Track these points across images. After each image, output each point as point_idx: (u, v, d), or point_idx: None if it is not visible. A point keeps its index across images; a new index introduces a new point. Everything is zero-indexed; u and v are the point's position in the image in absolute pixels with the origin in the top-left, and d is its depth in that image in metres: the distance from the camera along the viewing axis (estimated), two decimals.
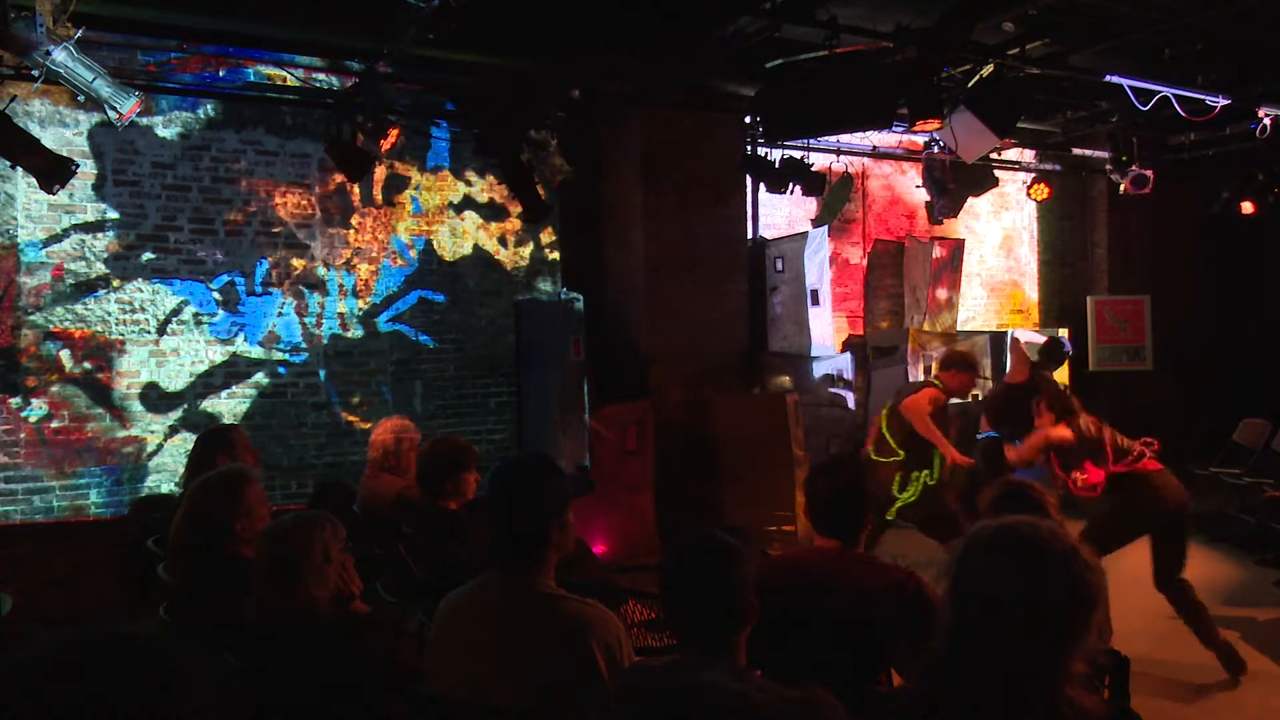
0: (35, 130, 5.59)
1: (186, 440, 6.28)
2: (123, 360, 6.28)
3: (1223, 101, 6.93)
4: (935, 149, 8.58)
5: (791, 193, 7.72)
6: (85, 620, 5.28)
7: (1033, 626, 1.57)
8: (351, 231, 7.03)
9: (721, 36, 6.16)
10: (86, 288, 6.18)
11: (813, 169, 7.69)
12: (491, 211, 7.58)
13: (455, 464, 4.10)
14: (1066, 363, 9.41)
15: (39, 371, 6.05)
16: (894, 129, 7.62)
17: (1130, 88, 6.65)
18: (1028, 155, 9.88)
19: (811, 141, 7.78)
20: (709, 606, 2.09)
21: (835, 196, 8.16)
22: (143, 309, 6.33)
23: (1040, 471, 5.42)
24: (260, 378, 6.71)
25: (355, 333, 7.05)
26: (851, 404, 7.98)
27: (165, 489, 6.29)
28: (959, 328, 9.20)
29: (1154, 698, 4.37)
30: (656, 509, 6.66)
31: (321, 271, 6.91)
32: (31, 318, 6.03)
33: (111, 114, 4.63)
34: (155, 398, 6.37)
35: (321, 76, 6.73)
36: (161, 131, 6.38)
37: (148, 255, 6.34)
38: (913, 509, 5.97)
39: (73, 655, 0.98)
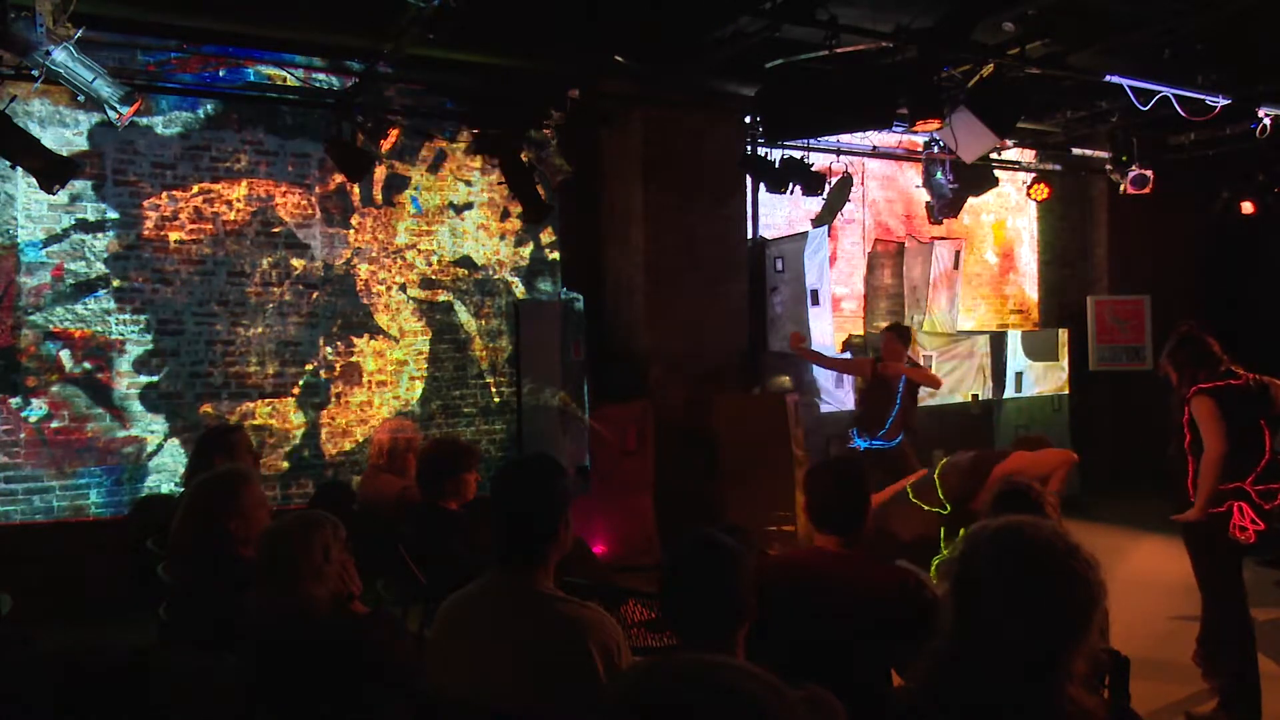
0: (35, 130, 5.59)
1: (187, 440, 6.28)
2: (123, 360, 6.27)
3: (1223, 101, 6.93)
4: (935, 149, 8.58)
5: (791, 193, 7.72)
6: (85, 620, 5.28)
7: (1034, 625, 1.57)
8: (351, 231, 7.03)
9: (721, 36, 6.16)
10: (86, 288, 6.18)
11: (813, 169, 7.69)
12: (491, 211, 7.58)
13: (455, 464, 4.11)
14: (1065, 360, 9.42)
15: (39, 371, 6.05)
16: (894, 129, 7.62)
17: (1130, 88, 6.65)
18: (1028, 155, 9.88)
19: (811, 141, 7.78)
20: (708, 605, 2.09)
21: (835, 196, 8.16)
22: (143, 309, 6.33)
23: None
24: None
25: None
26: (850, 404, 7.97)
27: (165, 489, 6.29)
28: (958, 328, 9.20)
29: (1154, 697, 4.37)
30: (656, 509, 6.66)
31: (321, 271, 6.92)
32: (31, 318, 6.03)
33: (111, 114, 4.63)
34: (155, 398, 6.37)
35: (321, 76, 6.73)
36: (161, 131, 6.38)
37: (147, 255, 6.34)
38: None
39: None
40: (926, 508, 5.25)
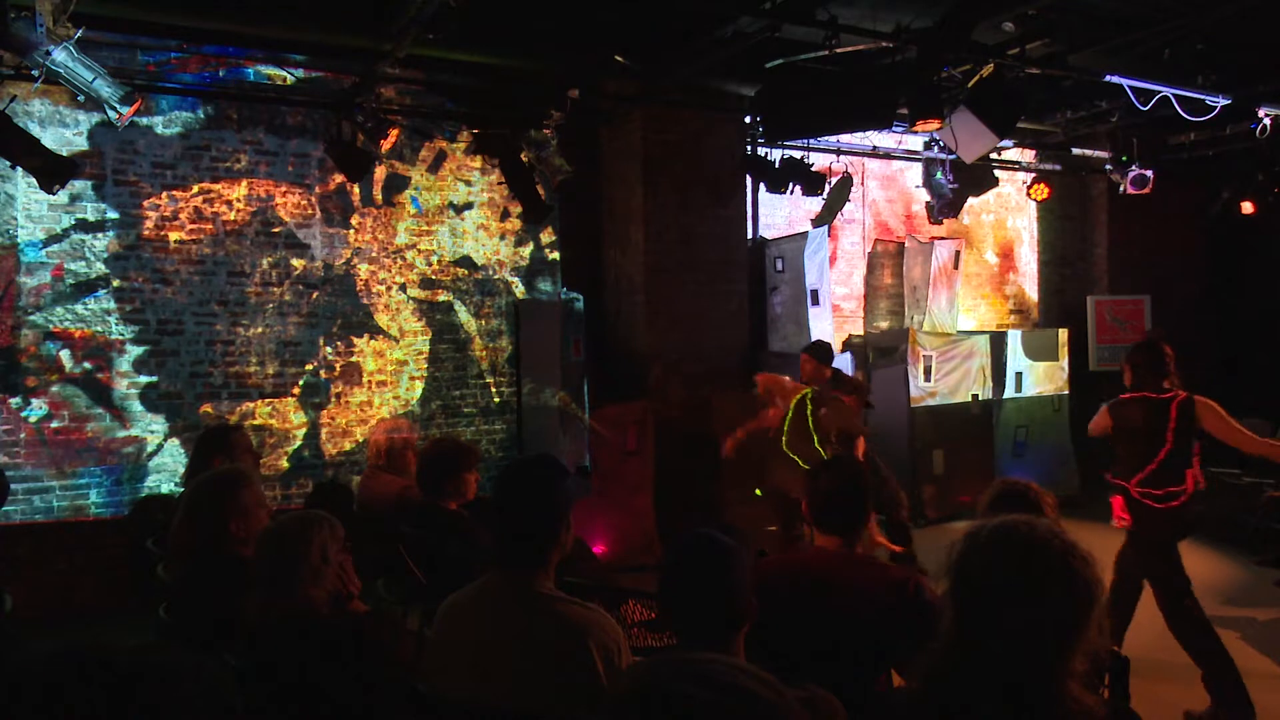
0: (35, 130, 5.59)
1: (187, 440, 6.28)
2: (123, 360, 6.28)
3: (1223, 101, 6.93)
4: (935, 149, 8.58)
5: (791, 193, 7.72)
6: (85, 620, 5.29)
7: (1033, 624, 1.57)
8: (351, 231, 7.03)
9: (721, 36, 6.16)
10: (86, 288, 6.18)
11: (813, 169, 7.70)
12: (492, 211, 7.58)
13: (455, 464, 4.10)
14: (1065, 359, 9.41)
15: (39, 371, 6.05)
16: (894, 129, 7.62)
17: (1130, 88, 6.66)
18: (1028, 155, 9.89)
19: (811, 141, 7.78)
20: (707, 605, 2.09)
21: (835, 196, 8.16)
22: (143, 309, 6.33)
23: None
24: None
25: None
26: None
27: (165, 489, 6.29)
28: (958, 328, 9.20)
29: (1154, 698, 4.37)
30: (656, 509, 6.66)
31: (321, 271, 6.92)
32: (31, 318, 6.03)
33: (111, 114, 4.63)
34: (155, 398, 6.37)
35: (321, 76, 6.74)
36: (161, 131, 6.38)
37: (147, 255, 6.34)
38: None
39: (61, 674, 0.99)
40: (802, 462, 5.41)
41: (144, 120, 6.25)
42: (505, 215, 7.60)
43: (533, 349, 7.45)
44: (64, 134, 6.05)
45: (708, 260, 7.44)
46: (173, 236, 6.42)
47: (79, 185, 6.05)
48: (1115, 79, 6.57)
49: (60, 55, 4.33)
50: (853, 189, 8.39)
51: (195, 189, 6.49)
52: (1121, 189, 8.79)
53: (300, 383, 6.84)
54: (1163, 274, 10.08)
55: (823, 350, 6.16)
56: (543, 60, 6.39)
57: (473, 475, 4.17)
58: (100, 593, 5.63)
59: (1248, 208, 9.56)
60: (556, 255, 7.83)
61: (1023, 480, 3.01)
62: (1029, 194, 9.31)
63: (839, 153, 8.27)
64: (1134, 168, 8.55)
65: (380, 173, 7.04)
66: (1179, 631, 4.46)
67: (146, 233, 6.34)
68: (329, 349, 6.94)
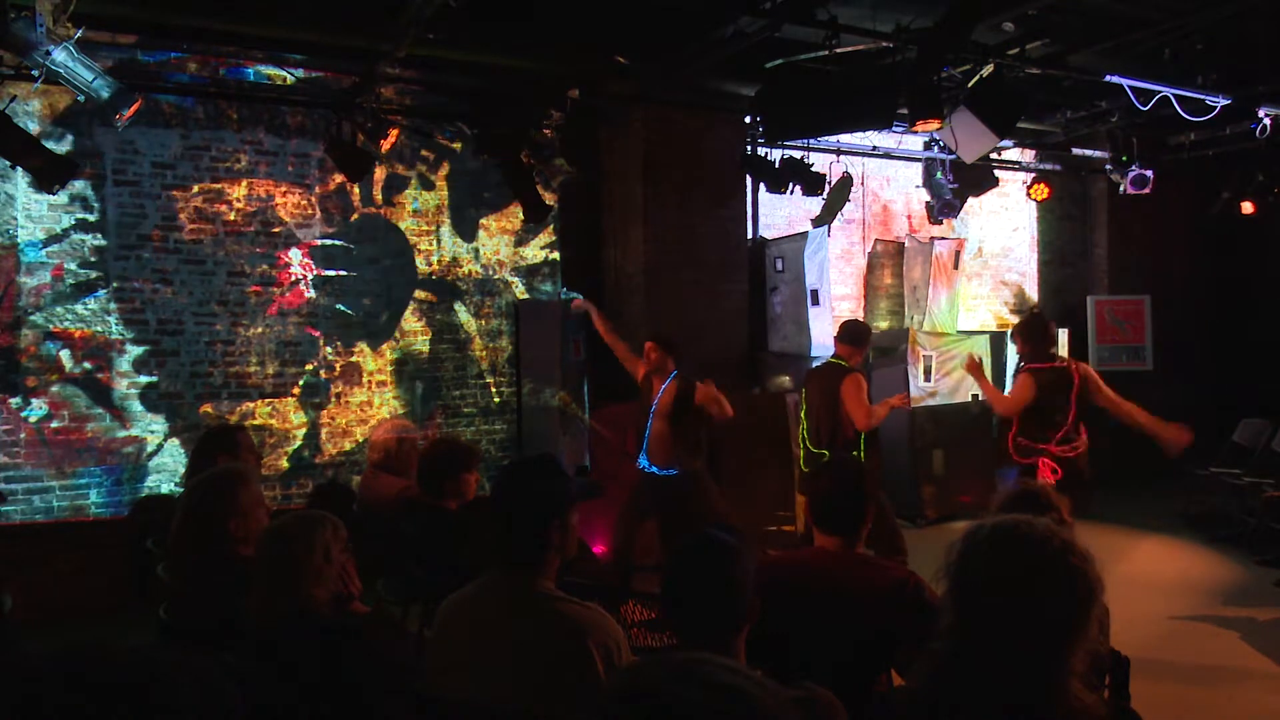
0: (35, 130, 5.59)
1: (187, 440, 6.28)
2: (123, 360, 6.27)
3: (1223, 101, 6.94)
4: (935, 149, 8.59)
5: (791, 193, 7.72)
6: (85, 620, 5.29)
7: (1032, 623, 1.57)
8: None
9: (721, 36, 6.16)
10: (86, 288, 6.18)
11: (813, 169, 7.70)
12: (492, 211, 7.58)
13: (455, 464, 4.11)
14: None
15: (39, 371, 6.05)
16: (894, 129, 7.62)
17: (1130, 88, 6.66)
18: (1028, 155, 9.88)
19: (811, 141, 7.78)
20: (709, 606, 2.09)
21: (835, 197, 8.16)
22: (143, 309, 6.33)
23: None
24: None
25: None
26: None
27: (165, 489, 6.29)
28: (959, 327, 9.20)
29: (1154, 698, 4.37)
30: None
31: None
32: (31, 318, 6.03)
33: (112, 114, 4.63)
34: (155, 398, 6.37)
35: (321, 76, 6.73)
36: (161, 131, 6.38)
37: (147, 255, 6.34)
38: None
39: (64, 671, 0.99)
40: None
41: (144, 120, 6.24)
42: (505, 215, 7.60)
43: (533, 349, 7.44)
44: (64, 134, 6.04)
45: (708, 260, 7.45)
46: (173, 236, 6.42)
47: (79, 185, 6.05)
48: (1115, 79, 6.58)
49: (60, 55, 4.34)
50: (853, 189, 8.39)
51: (195, 189, 6.49)
52: (1121, 189, 8.79)
53: (300, 383, 6.83)
54: (1163, 274, 10.08)
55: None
56: (543, 60, 6.39)
57: (473, 475, 4.17)
58: (100, 593, 5.62)
59: (1248, 208, 9.56)
60: (556, 255, 7.83)
61: (1038, 484, 2.99)
62: (1029, 194, 9.31)
63: (839, 153, 8.27)
64: (1134, 168, 8.55)
65: (380, 173, 7.04)
66: None
67: (146, 233, 6.34)
68: (329, 349, 6.94)
